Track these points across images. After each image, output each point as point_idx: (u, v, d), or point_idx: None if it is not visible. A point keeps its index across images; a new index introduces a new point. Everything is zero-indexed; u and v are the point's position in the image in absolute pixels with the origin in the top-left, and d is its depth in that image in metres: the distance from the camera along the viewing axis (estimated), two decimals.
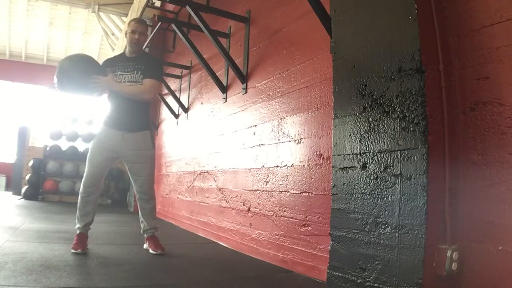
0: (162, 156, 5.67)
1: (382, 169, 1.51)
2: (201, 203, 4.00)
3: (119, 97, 2.67)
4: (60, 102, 7.95)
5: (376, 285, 1.46)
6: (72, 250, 2.48)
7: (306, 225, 2.34)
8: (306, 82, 2.50)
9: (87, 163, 2.68)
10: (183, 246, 3.27)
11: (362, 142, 1.62)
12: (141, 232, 2.87)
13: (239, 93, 3.40)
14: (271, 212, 2.71)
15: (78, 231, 2.62)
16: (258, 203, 2.88)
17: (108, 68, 2.70)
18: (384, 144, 1.52)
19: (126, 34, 2.81)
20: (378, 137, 1.55)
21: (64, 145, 7.60)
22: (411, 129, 1.41)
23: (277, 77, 2.83)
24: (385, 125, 1.52)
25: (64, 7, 7.98)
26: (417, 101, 1.40)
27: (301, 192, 2.42)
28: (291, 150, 2.57)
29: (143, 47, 2.92)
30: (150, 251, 2.74)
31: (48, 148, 7.36)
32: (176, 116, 5.18)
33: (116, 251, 2.75)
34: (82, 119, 7.96)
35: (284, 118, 2.69)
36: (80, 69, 2.52)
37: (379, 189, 1.51)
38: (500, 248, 1.29)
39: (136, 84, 2.64)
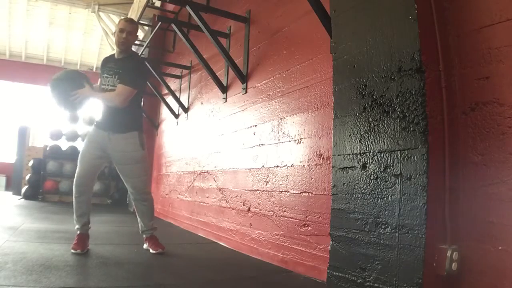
0: (162, 156, 5.67)
1: (382, 169, 1.51)
2: (201, 203, 4.00)
3: None
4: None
5: (376, 285, 1.46)
6: (72, 250, 2.48)
7: (306, 225, 2.34)
8: (306, 82, 2.50)
9: (78, 163, 2.68)
10: (183, 246, 3.27)
11: (362, 142, 1.62)
12: (140, 232, 2.87)
13: (239, 93, 3.40)
14: (271, 212, 2.71)
15: (78, 232, 2.62)
16: (258, 203, 2.88)
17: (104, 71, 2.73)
18: (384, 144, 1.52)
19: (114, 33, 2.78)
20: (378, 137, 1.55)
21: (64, 145, 7.60)
22: (411, 129, 1.41)
23: (277, 77, 2.83)
24: (385, 125, 1.52)
25: (64, 7, 7.98)
26: (417, 101, 1.40)
27: (301, 192, 2.42)
28: (291, 150, 2.56)
29: (135, 48, 2.91)
30: (151, 251, 2.75)
31: (48, 148, 7.36)
32: (176, 116, 5.18)
33: (116, 251, 2.75)
34: (82, 119, 7.96)
35: (284, 118, 2.69)
36: (59, 90, 2.57)
37: (379, 189, 1.51)
38: (500, 248, 1.29)
39: (113, 88, 2.61)
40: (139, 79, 2.72)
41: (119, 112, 2.62)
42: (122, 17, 2.90)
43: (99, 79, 2.80)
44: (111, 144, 2.64)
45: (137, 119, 2.79)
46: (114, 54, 2.82)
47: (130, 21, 2.79)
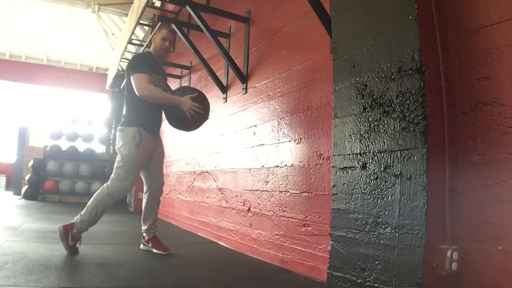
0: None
1: (382, 169, 1.51)
2: (201, 203, 4.00)
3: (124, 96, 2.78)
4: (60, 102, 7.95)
5: (376, 285, 1.46)
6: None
7: (306, 225, 2.34)
8: (306, 82, 2.49)
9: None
10: (183, 246, 3.27)
11: (362, 142, 1.62)
12: (144, 232, 2.85)
13: (239, 93, 3.40)
14: (271, 212, 2.71)
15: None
16: (258, 203, 2.88)
17: (160, 77, 2.74)
18: (384, 144, 1.52)
19: (152, 37, 2.82)
20: (378, 137, 1.55)
21: (64, 145, 7.59)
22: (411, 129, 1.41)
23: (277, 77, 2.83)
24: (385, 125, 1.52)
25: (64, 7, 7.97)
26: (417, 101, 1.40)
27: (301, 192, 2.42)
28: (291, 150, 2.56)
29: (135, 48, 2.97)
30: (154, 250, 2.76)
31: (48, 148, 7.36)
32: None
33: (116, 251, 2.75)
34: (82, 119, 7.97)
35: (284, 118, 2.69)
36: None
37: (379, 189, 1.51)
38: (500, 248, 1.29)
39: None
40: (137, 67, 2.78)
41: (125, 108, 2.78)
42: (164, 26, 2.97)
43: (149, 76, 2.60)
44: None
45: (134, 116, 2.77)
46: (153, 55, 2.79)
47: (172, 31, 2.93)
